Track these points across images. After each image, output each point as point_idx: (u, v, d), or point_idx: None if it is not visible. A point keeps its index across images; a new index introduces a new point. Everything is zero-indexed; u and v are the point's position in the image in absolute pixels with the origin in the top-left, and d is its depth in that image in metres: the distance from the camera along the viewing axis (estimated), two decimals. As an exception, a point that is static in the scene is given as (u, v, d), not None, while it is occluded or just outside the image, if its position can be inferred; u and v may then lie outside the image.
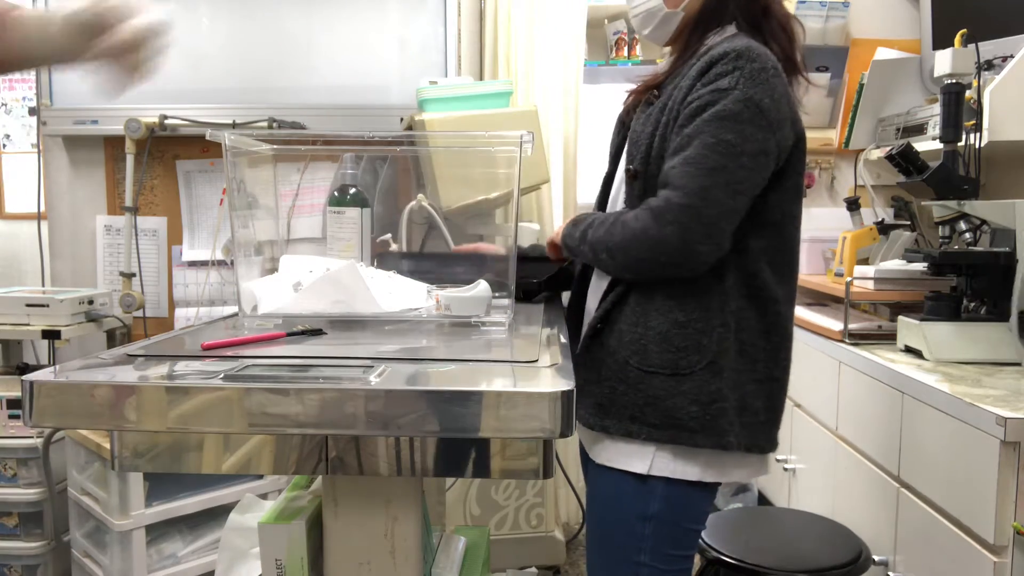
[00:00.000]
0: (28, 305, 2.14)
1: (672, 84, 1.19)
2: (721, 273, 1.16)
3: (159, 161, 2.39)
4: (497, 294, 1.11)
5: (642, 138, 1.20)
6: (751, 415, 1.17)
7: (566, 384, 0.75)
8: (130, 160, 2.28)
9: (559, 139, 2.62)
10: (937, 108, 1.82)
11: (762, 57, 1.12)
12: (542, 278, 1.37)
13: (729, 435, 1.15)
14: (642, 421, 1.16)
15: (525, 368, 0.83)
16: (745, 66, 1.11)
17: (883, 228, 2.17)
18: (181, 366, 0.87)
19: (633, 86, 1.31)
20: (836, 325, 1.90)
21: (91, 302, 2.23)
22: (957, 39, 1.81)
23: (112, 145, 2.38)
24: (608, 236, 1.16)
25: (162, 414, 0.74)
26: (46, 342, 2.41)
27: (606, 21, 2.81)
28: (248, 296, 1.11)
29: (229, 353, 0.89)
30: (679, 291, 1.16)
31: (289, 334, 0.98)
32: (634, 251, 1.13)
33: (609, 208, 1.33)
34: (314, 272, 1.18)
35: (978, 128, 1.77)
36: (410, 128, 2.14)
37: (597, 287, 1.29)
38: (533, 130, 1.07)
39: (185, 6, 2.35)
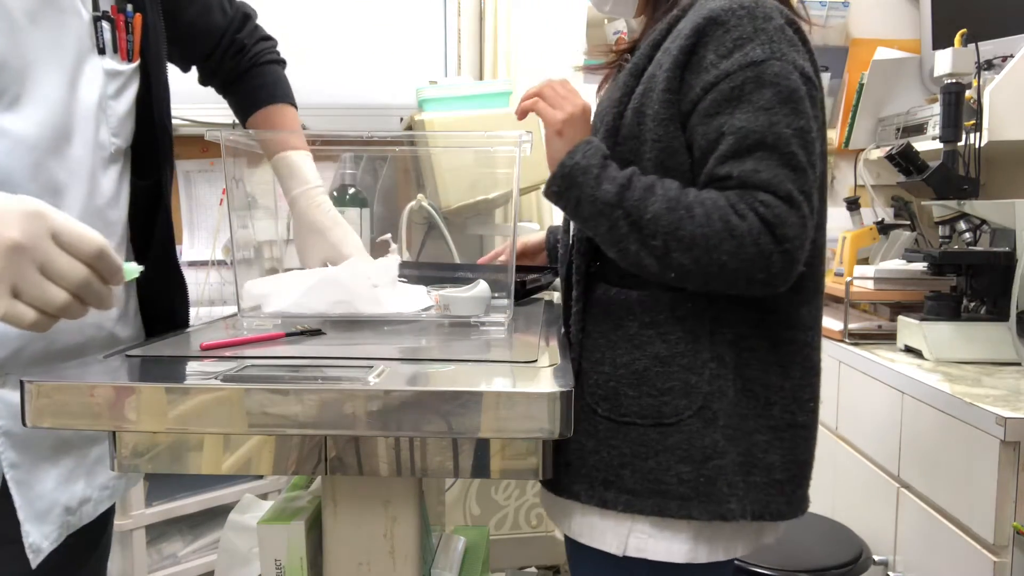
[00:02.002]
0: (28, 305, 2.14)
1: (646, 42, 0.97)
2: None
3: (159, 161, 2.39)
4: (496, 294, 1.10)
5: (607, 107, 0.97)
6: (762, 473, 0.92)
7: (565, 384, 0.75)
8: (130, 160, 2.28)
9: (559, 139, 2.62)
10: (937, 108, 1.82)
11: (771, 7, 0.89)
12: (527, 277, 1.32)
13: (730, 501, 0.90)
14: (618, 487, 0.92)
15: (524, 368, 0.83)
16: (764, 25, 0.87)
17: (883, 228, 2.18)
18: (180, 366, 0.87)
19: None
20: (836, 325, 1.90)
21: (91, 302, 2.22)
22: (957, 39, 1.81)
23: (112, 145, 2.38)
24: (676, 219, 0.85)
25: (161, 414, 0.74)
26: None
27: (606, 21, 2.81)
28: (250, 295, 1.11)
29: (228, 353, 0.89)
30: (660, 315, 0.92)
31: (288, 334, 0.98)
32: (722, 255, 0.84)
33: None
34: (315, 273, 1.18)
35: (978, 128, 1.77)
36: (410, 128, 2.14)
37: None
38: (533, 130, 1.06)
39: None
